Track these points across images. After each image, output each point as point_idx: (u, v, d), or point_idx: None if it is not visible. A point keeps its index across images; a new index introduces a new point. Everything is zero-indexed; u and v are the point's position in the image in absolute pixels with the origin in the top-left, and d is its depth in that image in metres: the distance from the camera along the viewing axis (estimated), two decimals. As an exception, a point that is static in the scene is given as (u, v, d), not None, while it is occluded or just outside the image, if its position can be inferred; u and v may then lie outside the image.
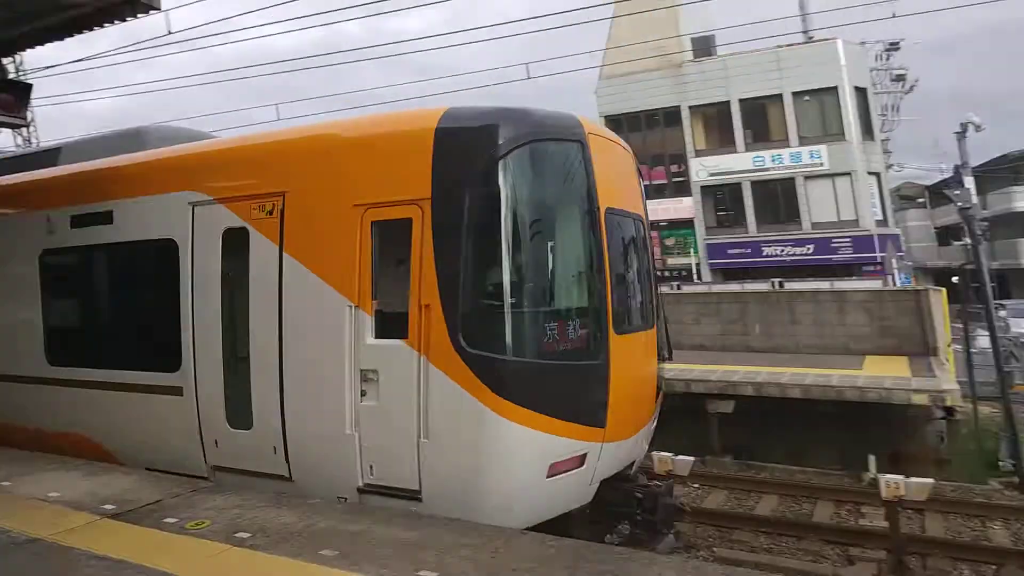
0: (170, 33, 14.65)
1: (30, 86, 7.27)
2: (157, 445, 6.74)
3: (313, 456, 5.74)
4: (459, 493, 5.10)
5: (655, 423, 6.85)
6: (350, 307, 5.51)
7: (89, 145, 8.82)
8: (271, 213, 6.00)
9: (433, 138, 5.36)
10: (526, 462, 5.12)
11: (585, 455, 5.38)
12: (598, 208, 5.61)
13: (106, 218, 7.20)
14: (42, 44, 8.26)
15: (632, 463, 6.42)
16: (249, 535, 4.74)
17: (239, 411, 6.15)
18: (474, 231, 5.18)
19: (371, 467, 5.47)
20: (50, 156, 8.90)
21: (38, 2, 7.27)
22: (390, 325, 5.46)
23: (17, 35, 7.92)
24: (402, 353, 5.26)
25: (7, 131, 26.37)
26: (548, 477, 5.17)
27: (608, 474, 5.81)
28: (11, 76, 9.83)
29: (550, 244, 5.52)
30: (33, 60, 21.77)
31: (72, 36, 7.89)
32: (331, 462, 5.61)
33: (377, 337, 5.44)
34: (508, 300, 5.14)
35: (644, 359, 6.40)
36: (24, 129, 26.97)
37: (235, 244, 6.22)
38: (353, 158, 5.87)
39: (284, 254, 5.87)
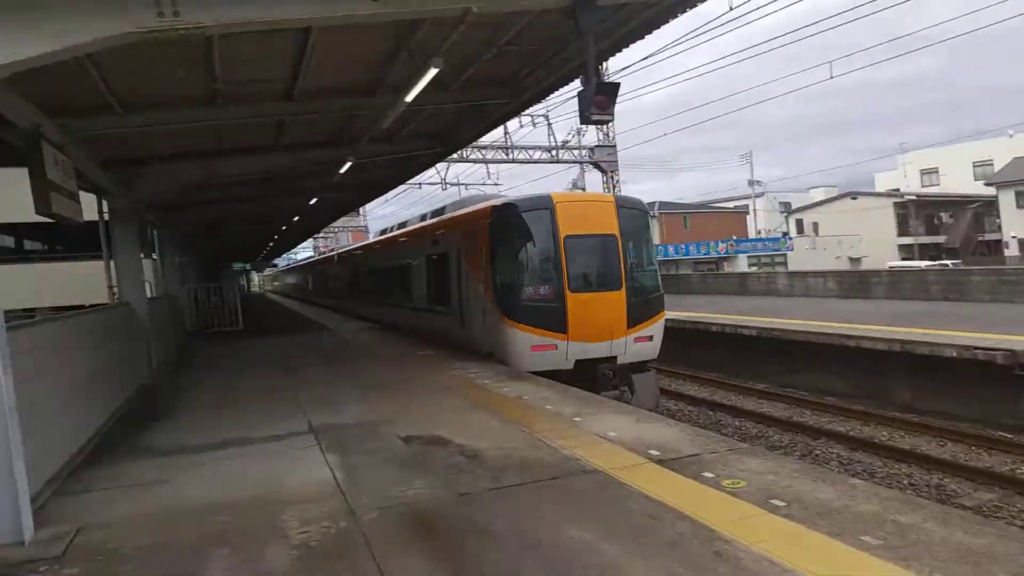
0: (731, 9, 14.77)
1: (618, 85, 8.28)
2: (450, 337, 14.06)
3: (476, 341, 12.65)
4: (502, 356, 11.57)
5: (649, 340, 11.92)
6: (477, 282, 12.47)
7: (450, 206, 17.06)
8: (460, 243, 13.49)
9: (490, 213, 12.24)
10: (520, 344, 11.24)
11: (556, 345, 11.16)
12: (558, 235, 11.36)
13: (436, 242, 15.30)
14: (626, 47, 9.42)
15: (615, 357, 11.53)
16: (784, 504, 4.59)
17: (463, 321, 13.26)
18: (494, 251, 11.94)
19: (487, 344, 12.13)
20: (440, 211, 17.37)
21: (628, 10, 8.32)
22: (485, 286, 12.10)
23: (609, 44, 9.22)
24: (487, 300, 11.97)
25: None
26: (532, 351, 11.14)
27: (584, 357, 11.28)
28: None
29: (528, 254, 11.63)
30: (612, 64, 25.05)
31: (650, 34, 8.84)
32: (481, 343, 12.41)
33: (479, 288, 12.30)
34: (509, 278, 11.58)
35: (603, 306, 11.44)
36: (606, 125, 29.49)
37: (456, 256, 13.68)
38: (477, 221, 12.72)
39: (463, 262, 13.24)
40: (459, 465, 5.91)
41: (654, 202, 57.93)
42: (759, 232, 54.62)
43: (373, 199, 29.66)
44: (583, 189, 45.19)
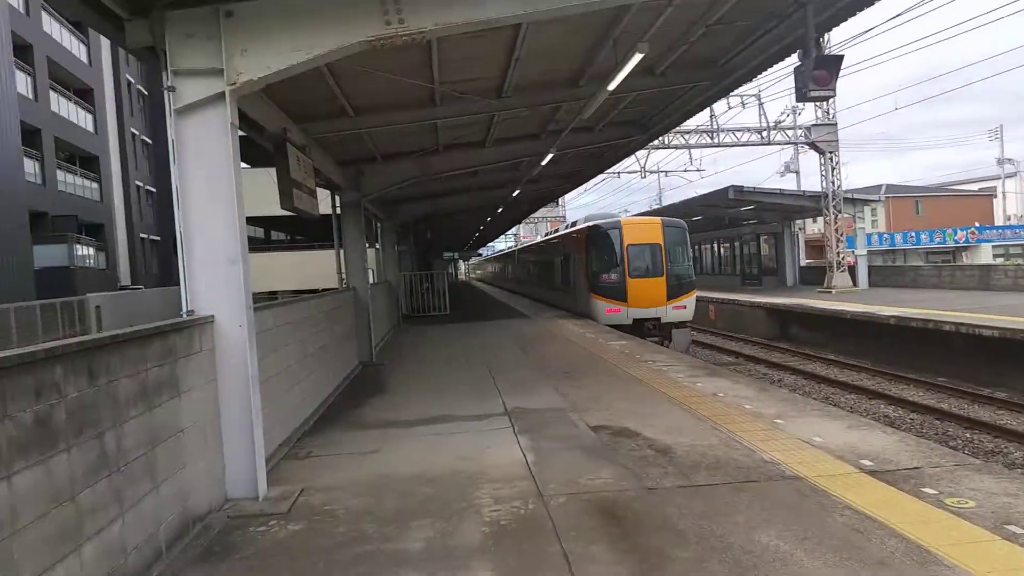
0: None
1: (841, 58, 7.63)
2: (567, 308, 22.19)
3: (578, 309, 20.58)
4: (590, 316, 19.22)
5: (683, 308, 18.70)
6: (580, 272, 20.47)
7: (580, 221, 24.51)
8: (572, 247, 22.06)
9: (587, 231, 20.20)
10: (599, 309, 18.81)
11: (620, 309, 18.45)
12: (623, 243, 18.77)
13: (564, 245, 23.88)
14: (851, 16, 8.59)
15: (659, 318, 18.45)
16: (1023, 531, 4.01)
17: (575, 297, 21.23)
18: (587, 254, 19.59)
19: (584, 310, 19.96)
20: (573, 224, 25.51)
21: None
22: (585, 274, 19.78)
23: (830, 14, 8.47)
24: (585, 284, 19.70)
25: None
26: (607, 313, 18.58)
27: (639, 317, 18.40)
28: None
29: (606, 254, 19.04)
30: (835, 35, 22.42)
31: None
32: (580, 309, 20.38)
33: (583, 275, 19.98)
34: (595, 269, 19.19)
35: (650, 286, 18.46)
36: (826, 102, 26.39)
37: (571, 256, 22.17)
38: (580, 234, 21.14)
39: (574, 259, 21.63)
40: (648, 459, 5.84)
41: (880, 185, 52.75)
42: (1008, 218, 47.73)
43: (572, 189, 30.08)
44: (796, 172, 42.33)
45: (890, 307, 19.05)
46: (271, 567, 4.14)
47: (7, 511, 2.80)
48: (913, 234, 41.83)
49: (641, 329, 17.93)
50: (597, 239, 19.30)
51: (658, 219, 19.93)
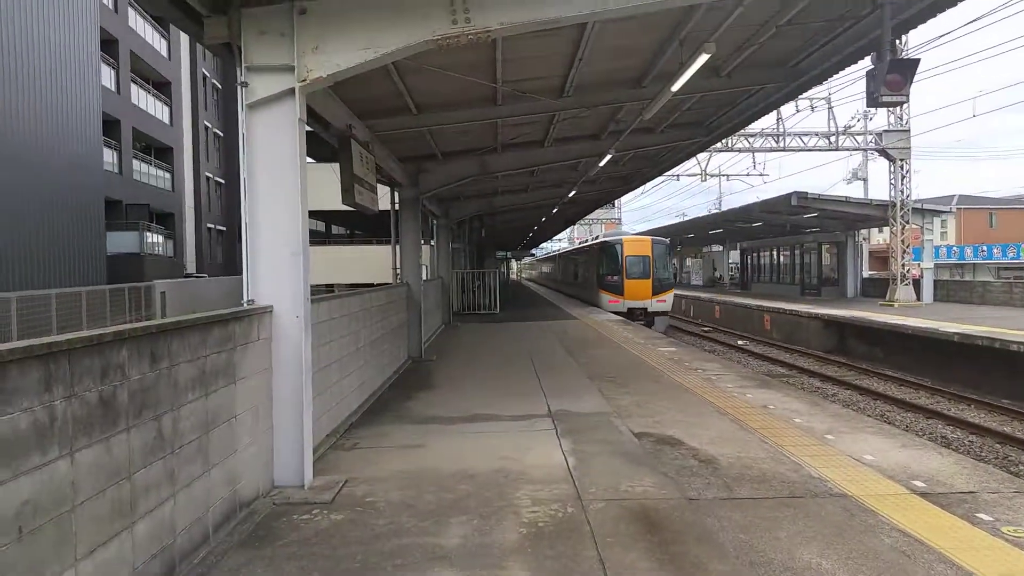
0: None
1: (917, 62, 7.32)
2: (585, 300, 30.18)
3: (592, 300, 28.54)
4: (599, 305, 27.15)
5: (664, 302, 26.77)
6: (594, 273, 28.79)
7: (602, 235, 40.39)
8: (591, 255, 30.92)
9: (599, 244, 29.33)
10: (604, 300, 26.94)
11: (619, 301, 26.57)
12: (623, 254, 27.08)
13: (588, 253, 31.99)
14: (932, 17, 8.26)
15: (645, 308, 26.34)
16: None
17: (588, 291, 29.90)
18: (599, 261, 27.99)
19: (594, 301, 28.00)
20: (597, 238, 38.34)
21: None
22: (596, 275, 28.18)
23: (911, 14, 8.14)
24: (596, 282, 28.11)
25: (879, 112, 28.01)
26: (608, 303, 26.67)
27: (632, 307, 26.24)
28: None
29: (612, 261, 27.16)
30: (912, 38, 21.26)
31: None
32: (593, 301, 28.30)
33: (595, 276, 28.43)
34: (603, 271, 27.43)
35: (641, 285, 26.62)
36: (899, 107, 25.38)
37: (590, 261, 30.34)
38: (596, 246, 30.01)
39: (592, 264, 29.71)
40: (691, 468, 5.78)
41: (952, 195, 50.67)
42: (1094, 234, 45.14)
43: (629, 191, 29.88)
44: (865, 180, 40.93)
45: (954, 323, 18.32)
46: (312, 555, 4.26)
47: (68, 486, 2.97)
48: (985, 248, 40.06)
49: (632, 316, 24.74)
50: (606, 251, 27.27)
51: (649, 238, 28.65)
